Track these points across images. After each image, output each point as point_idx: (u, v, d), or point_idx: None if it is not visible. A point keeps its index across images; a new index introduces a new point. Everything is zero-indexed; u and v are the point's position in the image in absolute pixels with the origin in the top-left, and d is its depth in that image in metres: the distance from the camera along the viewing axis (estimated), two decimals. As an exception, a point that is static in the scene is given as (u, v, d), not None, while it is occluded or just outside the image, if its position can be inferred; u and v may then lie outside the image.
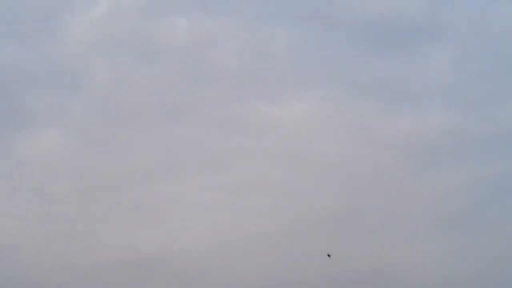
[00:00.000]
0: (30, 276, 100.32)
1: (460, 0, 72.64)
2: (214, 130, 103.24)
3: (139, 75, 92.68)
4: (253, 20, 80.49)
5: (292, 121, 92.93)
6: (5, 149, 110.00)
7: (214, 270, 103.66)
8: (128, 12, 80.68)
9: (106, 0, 78.44)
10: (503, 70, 71.02)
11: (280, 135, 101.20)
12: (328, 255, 67.15)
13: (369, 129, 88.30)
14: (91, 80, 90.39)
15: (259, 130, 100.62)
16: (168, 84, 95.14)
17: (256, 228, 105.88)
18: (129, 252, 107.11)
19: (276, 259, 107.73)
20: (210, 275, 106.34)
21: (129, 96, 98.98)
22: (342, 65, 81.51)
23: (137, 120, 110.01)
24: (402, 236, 76.72)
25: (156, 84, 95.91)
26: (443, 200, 65.93)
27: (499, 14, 71.99)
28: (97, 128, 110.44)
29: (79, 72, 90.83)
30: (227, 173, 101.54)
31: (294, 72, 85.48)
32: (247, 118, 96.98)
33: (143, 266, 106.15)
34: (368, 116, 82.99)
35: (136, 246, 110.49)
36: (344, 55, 79.42)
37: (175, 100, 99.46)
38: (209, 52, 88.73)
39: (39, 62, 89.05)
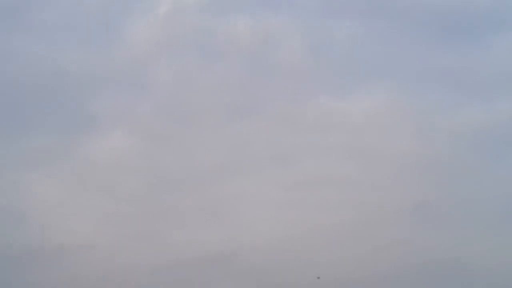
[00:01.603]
0: (105, 276, 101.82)
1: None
2: (279, 127, 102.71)
3: (203, 74, 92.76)
4: (315, 14, 79.77)
5: (357, 115, 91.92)
6: (74, 151, 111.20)
7: (282, 266, 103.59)
8: (190, 11, 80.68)
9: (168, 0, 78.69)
10: None
11: (345, 130, 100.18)
12: (318, 278, 66.77)
13: (436, 121, 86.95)
14: (155, 80, 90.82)
15: (324, 125, 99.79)
16: (232, 82, 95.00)
17: (323, 222, 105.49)
18: (198, 251, 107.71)
19: (343, 253, 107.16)
20: (278, 271, 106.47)
21: (194, 95, 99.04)
22: (405, 56, 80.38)
23: (202, 118, 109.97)
24: (471, 228, 75.37)
25: (220, 82, 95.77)
26: (514, 191, 64.81)
27: None
28: (162, 127, 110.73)
29: (143, 72, 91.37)
30: (294, 169, 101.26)
31: (358, 65, 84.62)
32: (312, 114, 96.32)
33: (212, 264, 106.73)
34: (435, 107, 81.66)
35: (205, 244, 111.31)
36: (407, 46, 78.22)
37: (239, 98, 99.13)
38: (272, 48, 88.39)
39: (103, 64, 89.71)
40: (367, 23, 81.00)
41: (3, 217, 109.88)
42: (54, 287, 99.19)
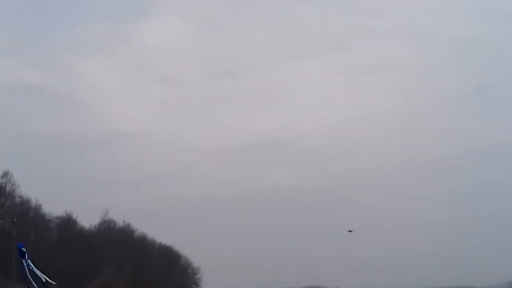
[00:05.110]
0: (163, 161, 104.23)
1: None
2: (335, 11, 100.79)
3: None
4: None
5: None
6: (129, 37, 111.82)
7: (339, 150, 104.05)
8: None
9: None
10: None
11: (403, 13, 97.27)
12: (350, 231, 66.24)
13: (496, 5, 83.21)
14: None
15: (380, 9, 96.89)
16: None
17: (381, 108, 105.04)
18: (253, 136, 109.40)
19: (402, 138, 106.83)
20: (334, 155, 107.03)
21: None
22: None
23: (257, 4, 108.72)
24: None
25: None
26: None
27: None
28: (217, 13, 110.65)
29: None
30: (350, 54, 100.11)
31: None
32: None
33: (267, 149, 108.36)
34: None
35: (260, 129, 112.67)
36: None
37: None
38: None
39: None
40: None
41: (62, 105, 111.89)
42: (113, 173, 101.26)
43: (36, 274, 16.33)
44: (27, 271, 16.38)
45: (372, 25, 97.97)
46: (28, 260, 16.64)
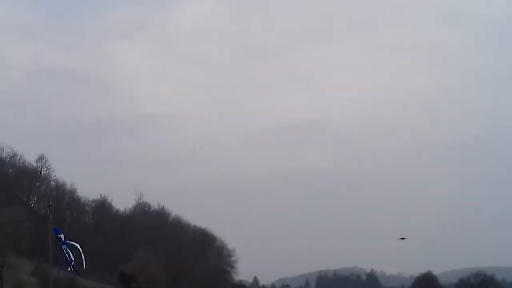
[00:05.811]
0: (197, 143, 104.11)
1: None
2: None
3: None
4: None
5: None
6: (158, 19, 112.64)
7: (371, 131, 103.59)
8: None
9: None
10: None
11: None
12: (402, 238, 64.85)
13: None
14: None
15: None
16: None
17: (411, 87, 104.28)
18: (287, 118, 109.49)
19: (431, 118, 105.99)
20: (367, 136, 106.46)
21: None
22: None
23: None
24: None
25: None
26: None
27: None
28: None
29: None
30: (381, 33, 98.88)
31: None
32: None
33: (301, 130, 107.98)
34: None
35: (293, 111, 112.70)
36: None
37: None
38: None
39: None
40: None
41: (95, 88, 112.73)
42: (147, 155, 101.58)
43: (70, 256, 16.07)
44: (66, 254, 16.13)
45: (403, 4, 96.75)
46: (64, 243, 16.34)
